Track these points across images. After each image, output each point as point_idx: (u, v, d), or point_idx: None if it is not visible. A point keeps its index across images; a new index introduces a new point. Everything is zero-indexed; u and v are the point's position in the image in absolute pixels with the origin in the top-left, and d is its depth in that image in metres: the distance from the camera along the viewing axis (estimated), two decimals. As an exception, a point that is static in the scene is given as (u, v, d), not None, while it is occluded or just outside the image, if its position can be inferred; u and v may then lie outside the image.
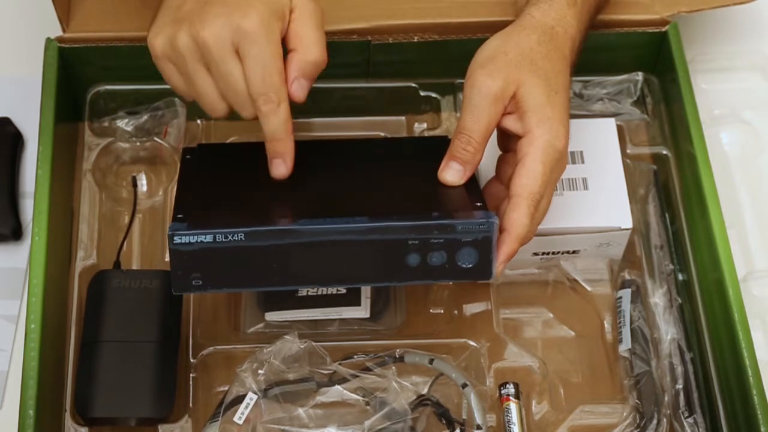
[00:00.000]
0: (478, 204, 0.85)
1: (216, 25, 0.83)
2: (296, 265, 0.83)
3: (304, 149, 0.95)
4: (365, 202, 0.87)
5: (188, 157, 0.94)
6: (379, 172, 0.93)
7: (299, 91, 0.85)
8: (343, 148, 0.99)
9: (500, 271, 0.85)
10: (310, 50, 0.85)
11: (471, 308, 1.01)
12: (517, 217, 0.84)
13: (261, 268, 0.83)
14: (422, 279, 0.85)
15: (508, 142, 0.89)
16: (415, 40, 1.04)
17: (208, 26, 0.83)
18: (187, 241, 0.82)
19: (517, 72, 0.86)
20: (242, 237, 0.82)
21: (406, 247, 0.83)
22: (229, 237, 0.82)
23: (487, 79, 0.86)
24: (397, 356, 0.94)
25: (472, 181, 0.88)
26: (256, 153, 0.93)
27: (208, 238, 0.82)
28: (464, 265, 0.84)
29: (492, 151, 0.90)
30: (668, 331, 0.98)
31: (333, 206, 0.86)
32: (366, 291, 0.97)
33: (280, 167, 0.87)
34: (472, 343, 0.98)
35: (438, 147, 0.92)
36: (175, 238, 0.82)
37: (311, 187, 0.89)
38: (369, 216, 0.83)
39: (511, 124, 0.87)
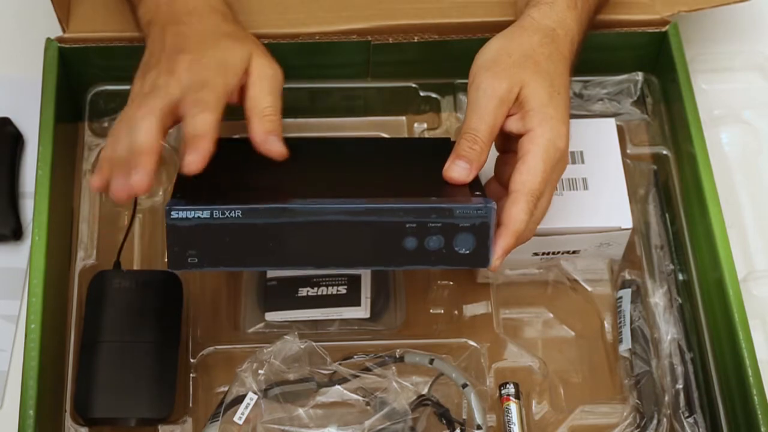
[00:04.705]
0: (478, 193, 0.85)
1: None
2: (292, 245, 0.83)
3: (304, 146, 0.95)
4: (365, 188, 0.87)
5: None
6: (379, 169, 0.94)
7: (277, 144, 0.87)
8: (344, 146, 0.99)
9: (497, 265, 0.84)
10: (266, 119, 0.88)
11: (471, 308, 1.01)
12: (515, 212, 0.84)
13: (257, 247, 0.83)
14: (419, 263, 0.84)
15: (507, 142, 0.89)
16: (415, 40, 1.04)
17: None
18: (184, 217, 0.82)
19: (521, 73, 0.87)
20: (239, 214, 0.82)
21: (403, 230, 0.83)
22: (226, 213, 0.82)
23: (492, 81, 0.86)
24: (397, 356, 0.94)
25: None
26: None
27: (205, 214, 0.82)
28: (461, 251, 0.84)
29: (491, 151, 0.90)
30: (668, 331, 0.98)
31: (332, 190, 0.86)
32: (366, 291, 0.97)
33: (192, 155, 0.83)
34: (472, 343, 0.98)
35: (439, 147, 0.92)
36: (172, 213, 0.82)
37: (311, 177, 0.89)
38: (367, 198, 0.83)
39: (513, 125, 0.87)
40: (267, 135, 0.87)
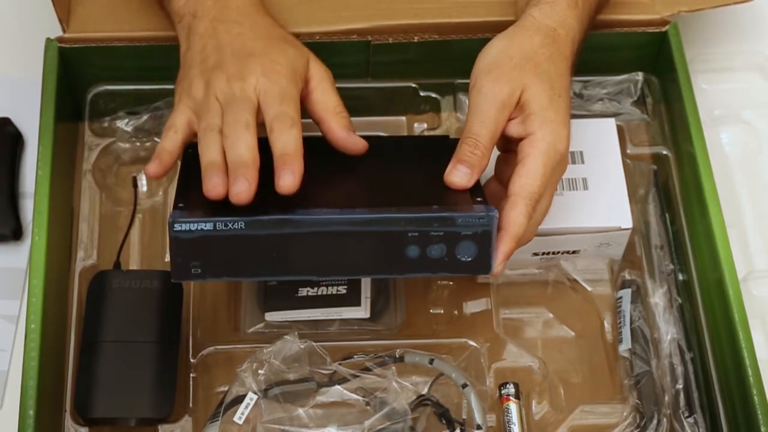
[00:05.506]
0: (479, 199, 0.85)
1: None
2: (295, 255, 0.83)
3: (305, 146, 0.95)
4: (366, 195, 0.87)
5: (190, 151, 0.94)
6: (380, 169, 0.94)
7: (356, 139, 0.89)
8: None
9: (499, 270, 0.85)
10: (341, 116, 0.90)
11: (471, 308, 1.01)
12: (514, 216, 0.84)
13: (260, 258, 0.83)
14: (421, 272, 0.85)
15: (508, 143, 0.89)
16: (415, 40, 1.04)
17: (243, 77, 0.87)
18: (187, 229, 0.82)
19: (522, 76, 0.87)
20: (242, 225, 0.82)
21: (405, 239, 0.83)
22: (229, 225, 0.82)
23: (494, 86, 0.86)
24: (397, 356, 0.94)
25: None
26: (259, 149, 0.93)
27: (208, 226, 0.82)
28: (463, 259, 0.84)
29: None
30: (668, 331, 0.98)
31: (334, 198, 0.86)
32: (366, 291, 0.97)
33: (287, 176, 0.82)
34: (472, 343, 0.98)
35: (439, 146, 0.92)
36: (175, 225, 0.82)
37: (313, 181, 0.89)
38: (369, 207, 0.83)
39: (513, 128, 0.87)
40: (347, 131, 0.89)
